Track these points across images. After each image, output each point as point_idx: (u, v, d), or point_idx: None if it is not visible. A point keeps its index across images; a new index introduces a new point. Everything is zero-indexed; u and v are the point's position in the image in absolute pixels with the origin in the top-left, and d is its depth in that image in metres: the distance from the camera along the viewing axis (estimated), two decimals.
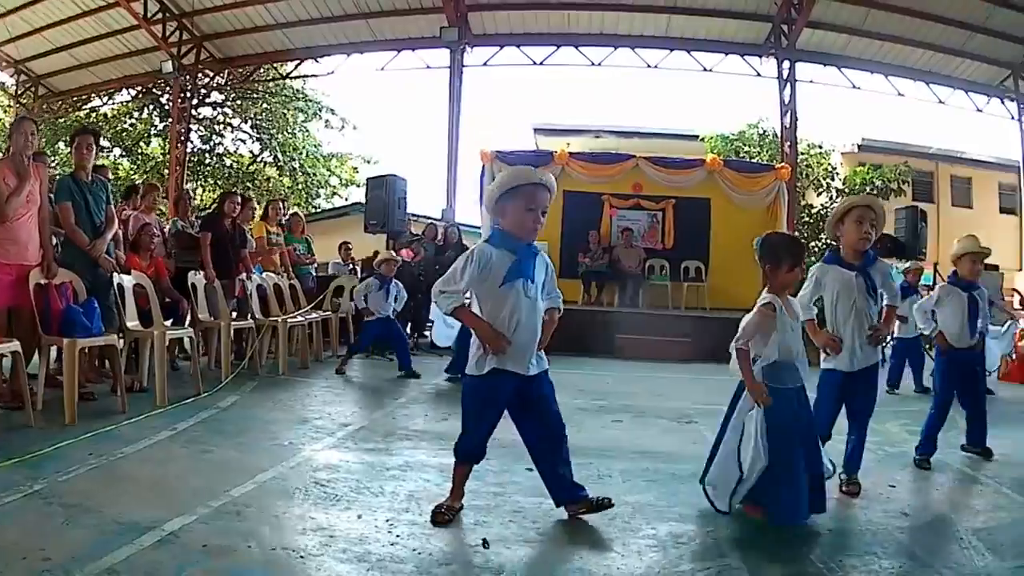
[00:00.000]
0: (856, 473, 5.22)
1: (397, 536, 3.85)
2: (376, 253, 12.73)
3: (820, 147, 26.11)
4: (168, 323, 8.28)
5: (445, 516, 4.11)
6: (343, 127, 33.47)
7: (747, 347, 4.44)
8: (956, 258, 6.63)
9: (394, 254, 11.90)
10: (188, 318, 9.21)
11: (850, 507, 4.87)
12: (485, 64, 22.06)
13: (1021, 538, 4.43)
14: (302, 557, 3.53)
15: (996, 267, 22.54)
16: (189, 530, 3.74)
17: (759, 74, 22.13)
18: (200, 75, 24.01)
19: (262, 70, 26.01)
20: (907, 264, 12.68)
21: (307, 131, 33.44)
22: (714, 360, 12.44)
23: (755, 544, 4.09)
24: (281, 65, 25.17)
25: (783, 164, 19.51)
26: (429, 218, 19.48)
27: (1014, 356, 13.59)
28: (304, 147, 33.07)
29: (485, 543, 3.80)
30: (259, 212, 13.38)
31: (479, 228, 18.34)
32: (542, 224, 4.23)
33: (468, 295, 4.28)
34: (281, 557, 3.52)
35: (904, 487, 5.47)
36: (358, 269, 15.91)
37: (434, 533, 3.93)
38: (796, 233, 19.01)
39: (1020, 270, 21.50)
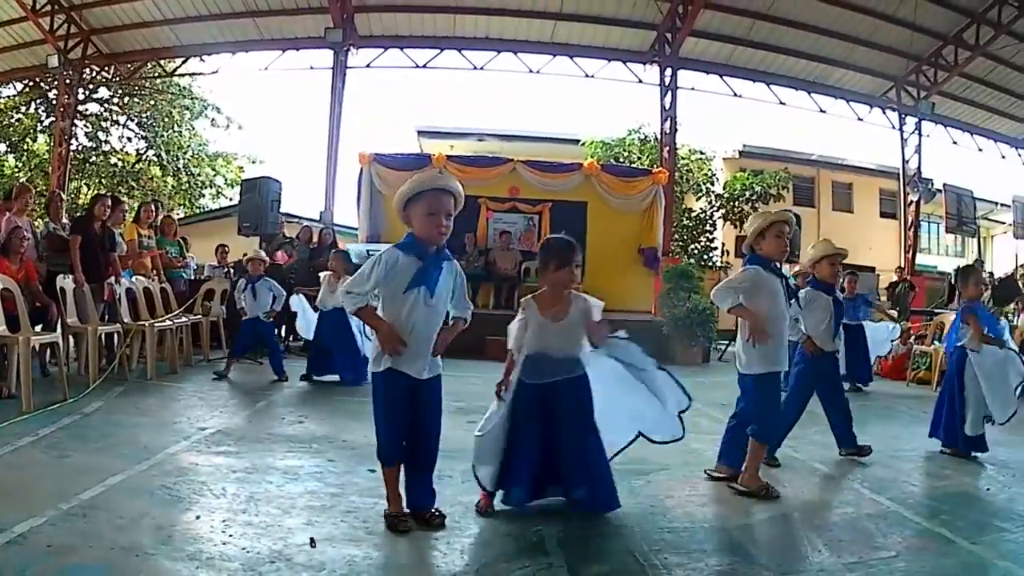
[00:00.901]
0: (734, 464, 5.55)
1: (230, 536, 3.94)
2: (245, 255, 12.66)
3: (702, 153, 26.57)
4: (38, 328, 8.15)
5: (403, 525, 4.21)
6: (228, 126, 33.15)
7: (513, 350, 4.70)
8: (815, 262, 6.83)
9: (262, 253, 11.89)
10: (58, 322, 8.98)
11: (687, 505, 5.04)
12: (368, 66, 22.13)
13: (864, 534, 4.57)
14: (137, 555, 3.62)
15: (872, 269, 23.37)
16: (37, 532, 3.83)
17: (641, 81, 22.55)
18: (87, 70, 23.47)
19: (149, 66, 25.52)
20: (796, 269, 13.22)
21: (193, 129, 33.01)
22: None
23: (581, 542, 4.21)
24: (168, 62, 24.74)
25: (661, 169, 19.95)
26: (309, 220, 19.53)
27: (891, 356, 14.21)
28: (190, 146, 32.68)
29: (312, 542, 3.90)
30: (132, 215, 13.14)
31: (356, 230, 18.55)
32: (447, 228, 4.31)
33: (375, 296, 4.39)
34: (118, 556, 3.62)
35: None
36: (231, 272, 15.67)
37: (265, 533, 4.03)
38: (675, 235, 19.60)
39: (900, 270, 22.16)
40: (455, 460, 5.22)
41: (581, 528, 4.42)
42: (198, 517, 4.26)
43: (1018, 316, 15.75)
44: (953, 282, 8.82)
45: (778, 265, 5.64)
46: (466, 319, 4.57)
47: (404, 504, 4.34)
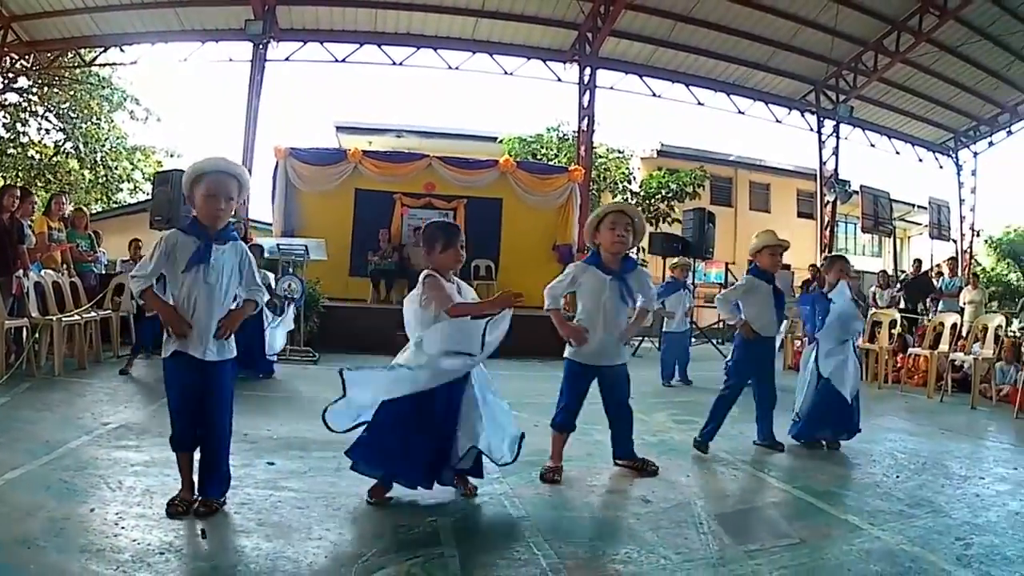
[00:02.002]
0: (631, 456, 5.62)
1: (122, 528, 3.85)
2: None
3: (620, 152, 26.85)
4: None
5: (179, 508, 4.12)
6: (147, 119, 32.36)
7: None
8: (756, 252, 6.78)
9: None
10: None
11: (588, 495, 4.99)
12: (287, 59, 21.75)
13: (768, 522, 4.58)
14: (28, 548, 3.53)
15: (788, 266, 23.56)
16: None
17: (560, 79, 22.52)
18: (6, 59, 22.69)
19: (69, 56, 24.76)
20: (675, 261, 13.02)
21: (112, 122, 32.15)
22: (499, 356, 12.67)
23: (475, 532, 4.18)
24: (88, 51, 24.02)
25: (577, 167, 19.86)
26: None
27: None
28: (108, 139, 31.86)
29: (203, 533, 3.84)
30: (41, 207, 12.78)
31: (271, 225, 18.20)
32: (224, 211, 4.26)
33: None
34: (9, 548, 3.52)
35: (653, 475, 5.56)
36: None
37: (158, 524, 3.93)
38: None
39: (814, 268, 22.39)
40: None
41: (477, 518, 4.40)
42: (93, 510, 4.14)
43: (930, 312, 16.00)
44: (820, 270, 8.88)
45: (632, 261, 5.67)
46: (257, 302, 4.50)
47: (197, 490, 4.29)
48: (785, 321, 11.68)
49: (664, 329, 11.85)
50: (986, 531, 4.53)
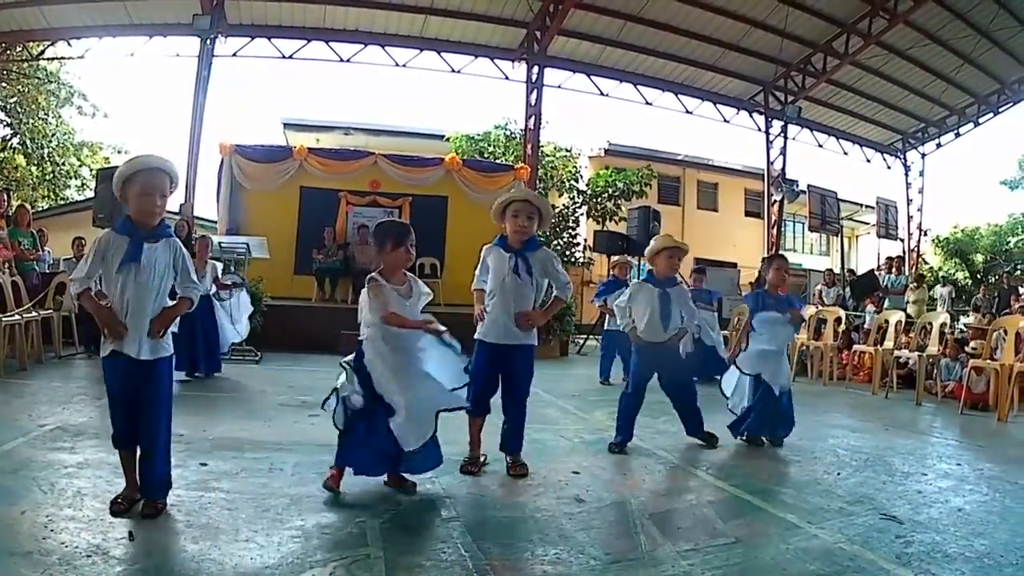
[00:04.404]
0: (518, 453, 5.52)
1: (51, 531, 3.77)
2: None
3: (567, 151, 26.85)
4: None
5: (122, 505, 4.10)
6: (95, 114, 31.92)
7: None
8: (653, 255, 6.73)
9: None
10: None
11: (521, 494, 4.91)
12: (235, 55, 21.35)
13: (702, 521, 4.51)
14: None
15: (735, 264, 23.71)
16: None
17: (507, 77, 22.44)
18: None
19: (17, 49, 24.11)
20: (617, 259, 12.97)
21: (59, 117, 31.69)
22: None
23: (403, 533, 4.09)
24: (35, 45, 23.52)
25: (523, 165, 19.84)
26: (168, 212, 18.77)
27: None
28: (55, 134, 31.33)
29: (131, 536, 3.76)
30: None
31: (215, 222, 17.95)
32: (160, 208, 4.28)
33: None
34: None
35: (589, 473, 5.53)
36: None
37: (88, 527, 3.84)
38: (538, 231, 19.42)
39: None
40: (289, 452, 5.36)
41: (406, 519, 4.31)
42: (23, 512, 4.06)
43: (871, 310, 16.17)
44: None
45: (536, 241, 5.71)
46: (192, 300, 4.47)
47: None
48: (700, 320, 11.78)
49: (606, 327, 11.71)
50: (927, 528, 4.49)
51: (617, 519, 4.49)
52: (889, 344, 11.92)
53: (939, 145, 29.55)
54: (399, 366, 4.67)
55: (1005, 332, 10.32)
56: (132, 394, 4.19)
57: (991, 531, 4.53)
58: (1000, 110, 27.36)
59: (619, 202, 24.91)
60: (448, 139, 25.83)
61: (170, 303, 4.37)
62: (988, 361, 10.17)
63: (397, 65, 22.23)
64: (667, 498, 5.08)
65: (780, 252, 9.47)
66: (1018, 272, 31.13)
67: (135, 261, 4.17)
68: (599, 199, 25.07)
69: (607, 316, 11.56)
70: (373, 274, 4.70)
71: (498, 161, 23.12)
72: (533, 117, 21.60)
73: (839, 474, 5.95)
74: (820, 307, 15.06)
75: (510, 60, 22.21)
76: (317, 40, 21.64)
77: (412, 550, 3.82)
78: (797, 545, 4.09)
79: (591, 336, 16.68)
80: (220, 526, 4.00)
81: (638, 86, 24.19)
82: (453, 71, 22.60)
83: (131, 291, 4.17)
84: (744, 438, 7.01)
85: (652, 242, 6.89)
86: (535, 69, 21.65)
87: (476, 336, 5.54)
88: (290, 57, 21.84)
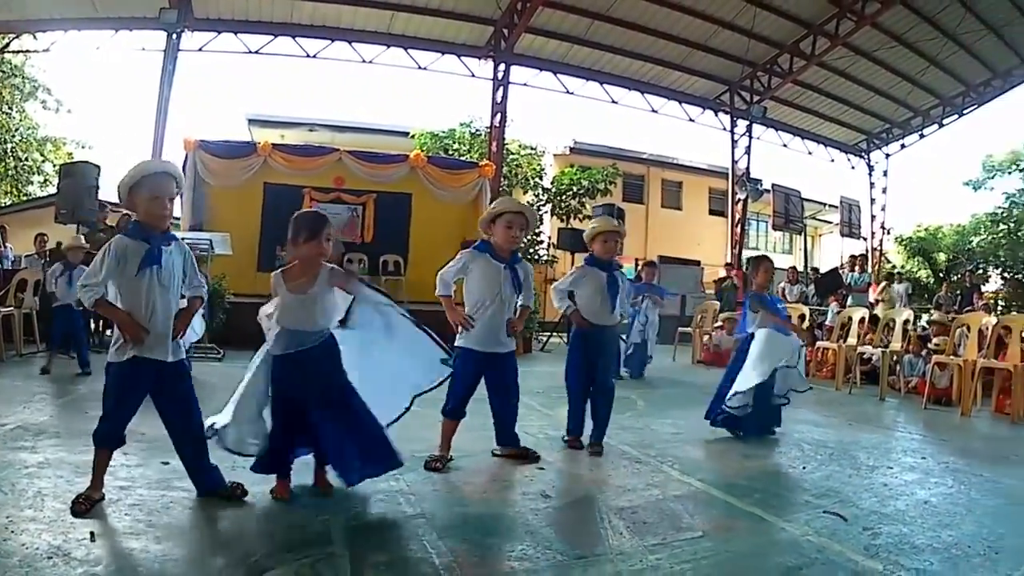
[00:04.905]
0: (515, 444, 5.70)
1: (12, 532, 3.68)
2: (59, 244, 12.14)
3: (533, 148, 26.86)
4: None
5: (83, 506, 4.01)
6: (59, 109, 31.43)
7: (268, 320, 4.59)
8: (590, 239, 6.74)
9: (82, 240, 11.21)
10: None
11: (485, 491, 4.89)
12: (200, 49, 21.16)
13: (669, 515, 4.46)
14: None
15: (698, 263, 23.79)
16: None
17: (474, 75, 22.42)
18: None
19: None
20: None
21: (23, 112, 31.16)
22: None
23: (368, 530, 4.05)
24: (0, 38, 23.20)
25: (487, 162, 19.77)
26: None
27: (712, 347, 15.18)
28: (19, 129, 30.85)
29: (92, 536, 3.66)
30: None
31: (179, 219, 17.75)
32: (169, 211, 4.29)
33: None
34: None
35: (554, 469, 5.51)
36: (48, 261, 14.66)
37: (48, 528, 3.76)
38: None
39: (729, 267, 22.73)
40: None
41: (370, 516, 4.28)
42: None
43: (834, 307, 16.33)
44: (746, 271, 9.07)
45: (518, 254, 5.78)
46: (202, 297, 4.62)
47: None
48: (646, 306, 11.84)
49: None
50: (894, 520, 4.51)
51: (583, 515, 4.47)
52: (852, 340, 12.05)
53: (903, 146, 30.00)
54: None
55: (968, 329, 10.46)
56: (143, 397, 4.22)
57: (958, 522, 4.56)
58: (964, 112, 27.84)
59: (583, 200, 24.95)
60: (413, 136, 25.72)
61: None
62: (951, 357, 10.34)
63: (363, 61, 22.18)
64: (633, 493, 4.99)
65: (763, 254, 9.57)
66: (980, 271, 31.48)
67: (156, 264, 4.18)
68: (563, 197, 25.10)
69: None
70: (276, 272, 4.60)
71: (463, 158, 23.01)
72: (499, 114, 21.61)
73: (805, 468, 5.96)
74: (784, 304, 15.19)
75: (477, 57, 22.20)
76: (284, 35, 21.50)
77: (377, 548, 3.76)
78: (764, 538, 4.10)
79: (554, 333, 16.69)
80: (183, 525, 3.96)
81: (604, 85, 24.32)
82: (420, 68, 22.54)
83: (155, 295, 4.18)
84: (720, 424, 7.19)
85: (590, 227, 6.95)
86: (501, 67, 21.65)
87: (461, 344, 5.52)
88: (256, 52, 21.67)
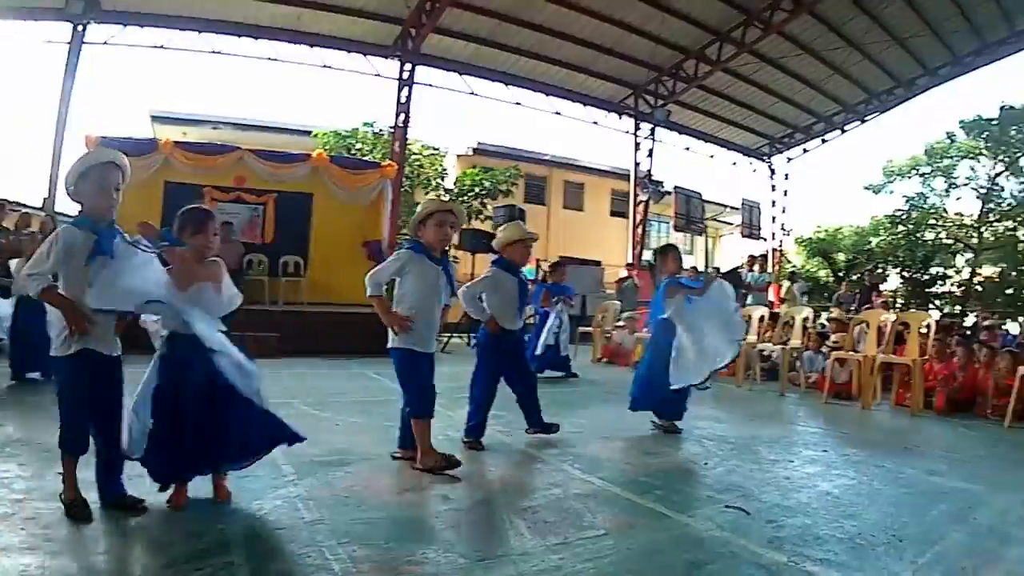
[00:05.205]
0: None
1: None
2: None
3: (436, 149, 26.87)
4: None
5: (81, 513, 4.00)
6: None
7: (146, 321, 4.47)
8: (509, 244, 6.74)
9: None
10: None
11: (386, 495, 4.78)
12: (106, 43, 20.28)
13: (571, 514, 4.42)
14: None
15: (599, 263, 23.92)
16: None
17: (379, 75, 22.11)
18: None
19: None
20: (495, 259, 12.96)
21: None
22: (308, 354, 12.20)
23: (267, 539, 3.94)
24: None
25: (389, 163, 19.59)
26: (31, 208, 17.95)
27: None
28: None
29: None
30: None
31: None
32: (116, 201, 4.25)
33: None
34: None
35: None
36: None
37: None
38: (402, 230, 19.27)
39: (630, 267, 22.92)
40: None
41: (269, 524, 4.15)
42: None
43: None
44: (653, 262, 9.16)
45: (446, 256, 5.76)
46: None
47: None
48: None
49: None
50: (797, 512, 4.58)
51: (484, 516, 4.45)
52: (752, 338, 12.15)
53: (805, 150, 30.67)
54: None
55: (867, 326, 10.68)
56: (97, 392, 4.13)
57: (861, 512, 4.64)
58: (867, 118, 28.65)
59: (485, 201, 25.09)
60: (316, 135, 25.39)
61: None
62: (851, 353, 10.62)
63: (271, 59, 21.74)
64: (535, 493, 4.98)
65: (669, 243, 9.74)
66: (879, 270, 32.33)
67: (107, 254, 4.08)
68: (465, 198, 25.06)
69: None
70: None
71: (365, 158, 22.78)
72: (403, 114, 21.41)
73: (706, 464, 6.01)
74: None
75: (384, 56, 21.87)
76: (190, 30, 20.84)
77: (276, 556, 3.70)
78: (668, 535, 4.10)
79: (455, 334, 16.57)
80: (80, 538, 3.80)
81: (510, 86, 24.20)
82: (325, 67, 22.18)
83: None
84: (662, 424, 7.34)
85: (503, 232, 6.93)
86: (408, 66, 21.47)
87: (409, 346, 5.39)
88: (162, 47, 21.05)
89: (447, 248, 5.69)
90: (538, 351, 11.37)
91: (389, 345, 5.44)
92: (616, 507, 4.62)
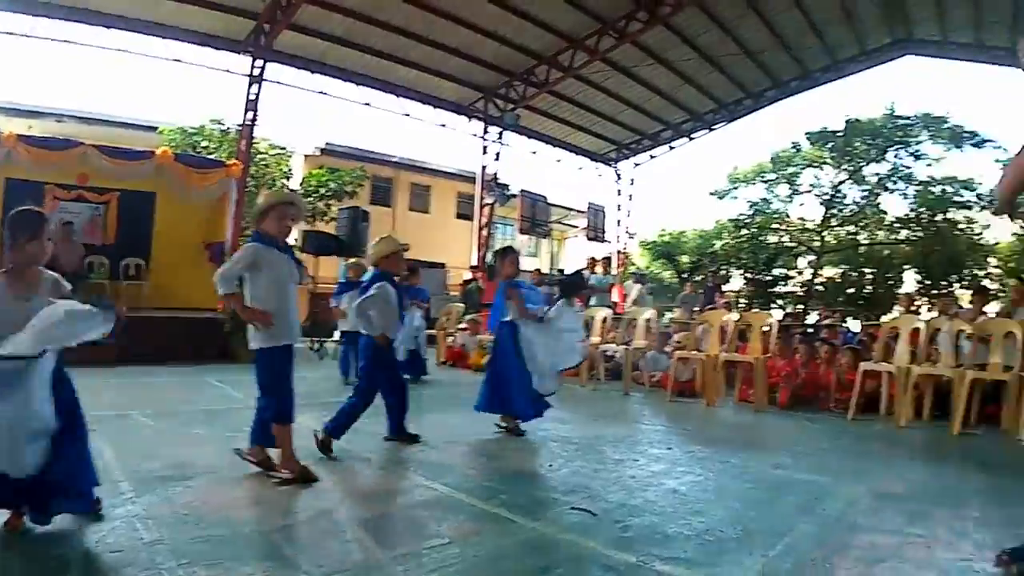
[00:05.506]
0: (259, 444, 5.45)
1: None
2: None
3: (283, 148, 26.49)
4: None
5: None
6: None
7: None
8: (384, 257, 6.82)
9: None
10: None
11: (227, 510, 4.57)
12: None
13: (416, 523, 4.39)
14: None
15: (443, 265, 23.92)
16: None
17: (229, 71, 21.36)
18: None
19: None
20: (351, 261, 12.83)
21: None
22: (149, 361, 11.85)
23: (105, 561, 3.72)
24: None
25: (235, 161, 19.09)
26: None
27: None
28: None
29: None
30: None
31: None
32: None
33: None
34: None
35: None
36: None
37: None
38: (245, 231, 18.82)
39: (474, 269, 22.99)
40: None
41: (108, 545, 3.92)
42: None
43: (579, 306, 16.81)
44: (493, 264, 9.21)
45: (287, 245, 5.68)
46: None
47: None
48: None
49: (343, 328, 11.56)
50: (644, 511, 4.63)
51: (328, 528, 4.33)
52: (596, 339, 12.40)
53: (652, 156, 31.42)
54: None
55: (710, 325, 10.95)
56: None
57: (708, 509, 4.74)
58: (714, 127, 29.55)
59: (330, 202, 24.89)
60: (162, 132, 24.58)
61: None
62: (695, 352, 10.86)
63: (120, 51, 20.76)
64: (378, 503, 4.95)
65: (508, 245, 9.83)
66: (723, 272, 33.22)
67: None
68: (311, 199, 24.77)
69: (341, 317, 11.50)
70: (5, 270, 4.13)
71: (211, 157, 22.04)
72: (251, 112, 20.81)
73: (551, 466, 6.04)
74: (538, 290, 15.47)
75: (236, 52, 21.04)
76: (40, 15, 19.65)
77: (118, 566, 3.57)
78: (514, 540, 4.10)
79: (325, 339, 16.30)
80: None
81: (360, 86, 23.79)
82: (177, 60, 21.22)
83: None
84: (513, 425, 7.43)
85: (380, 245, 6.96)
86: (259, 63, 20.83)
87: (273, 343, 5.26)
88: (10, 34, 19.96)
89: (287, 242, 5.60)
90: (400, 356, 11.32)
91: (252, 345, 5.30)
92: (461, 514, 4.59)
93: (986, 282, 28.73)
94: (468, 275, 22.15)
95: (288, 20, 19.69)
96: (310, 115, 73.90)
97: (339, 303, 11.34)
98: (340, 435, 6.26)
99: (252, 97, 20.70)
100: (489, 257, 24.57)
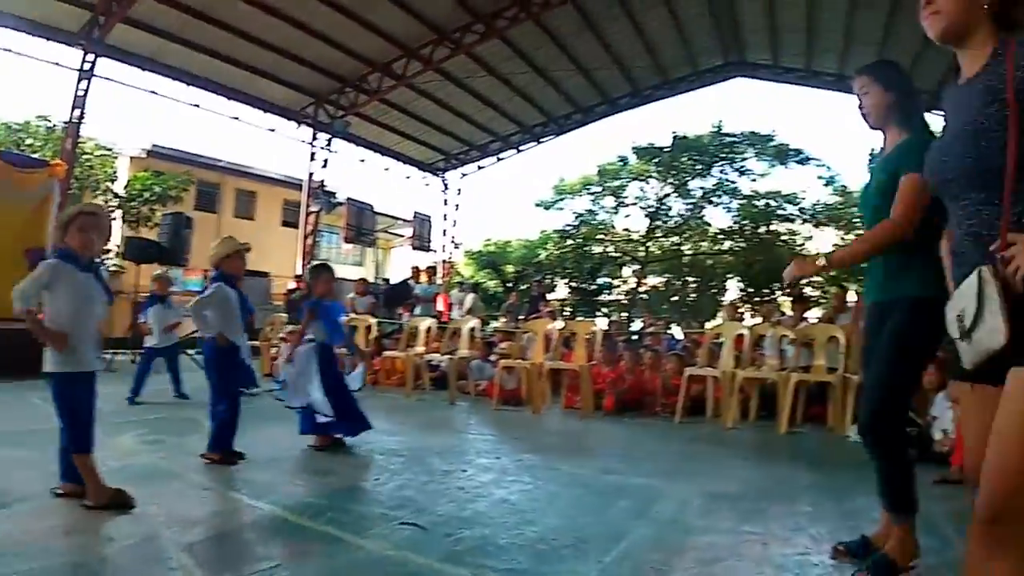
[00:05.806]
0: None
1: None
2: None
3: (109, 149, 25.59)
4: None
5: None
6: None
7: None
8: (225, 258, 6.75)
9: None
10: None
11: (45, 540, 4.18)
12: None
13: (241, 545, 4.28)
14: None
15: (267, 274, 23.50)
16: None
17: (58, 63, 20.23)
18: None
19: None
20: (157, 272, 12.42)
21: None
22: None
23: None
24: None
25: (59, 161, 17.97)
26: None
27: None
28: None
29: None
30: None
31: None
32: None
33: None
34: None
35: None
36: None
37: None
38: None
39: (299, 278, 22.66)
40: None
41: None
42: None
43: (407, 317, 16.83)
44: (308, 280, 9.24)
45: (97, 262, 5.53)
46: None
47: None
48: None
49: (147, 344, 11.06)
50: (475, 523, 4.63)
51: (150, 555, 4.03)
52: (420, 348, 12.49)
53: (480, 167, 31.71)
54: None
55: (535, 334, 11.07)
56: None
57: (540, 517, 4.78)
58: (543, 140, 30.16)
59: (155, 207, 24.16)
60: None
61: None
62: (519, 361, 11.09)
63: None
64: (201, 525, 4.67)
65: (322, 262, 9.80)
66: (548, 281, 33.72)
67: None
68: (134, 203, 23.96)
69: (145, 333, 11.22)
70: None
71: (35, 155, 20.99)
72: (79, 110, 19.70)
73: (378, 480, 6.00)
74: (353, 315, 15.20)
75: (68, 44, 19.81)
76: None
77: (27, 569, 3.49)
78: (344, 559, 3.99)
79: (119, 351, 15.63)
80: None
81: (191, 86, 22.98)
82: (7, 50, 19.67)
83: None
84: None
85: (220, 246, 6.86)
86: (90, 57, 19.67)
87: (68, 368, 4.91)
88: None
89: (94, 257, 5.31)
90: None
91: (45, 369, 4.95)
92: (288, 534, 4.48)
93: (808, 290, 30.10)
94: (292, 284, 21.76)
95: (124, 12, 18.78)
96: (137, 115, 71.52)
97: (145, 319, 11.09)
98: (230, 443, 6.34)
99: (81, 93, 19.66)
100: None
